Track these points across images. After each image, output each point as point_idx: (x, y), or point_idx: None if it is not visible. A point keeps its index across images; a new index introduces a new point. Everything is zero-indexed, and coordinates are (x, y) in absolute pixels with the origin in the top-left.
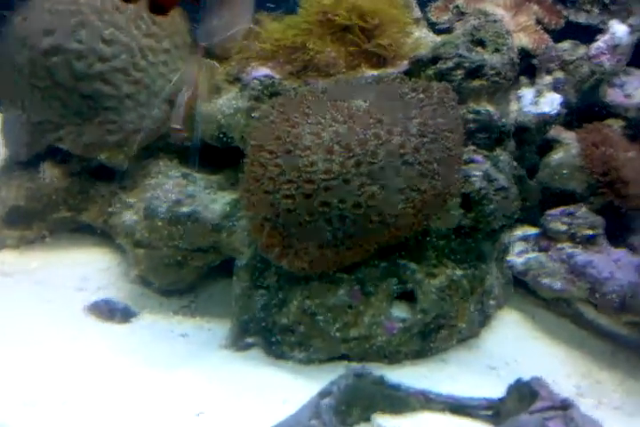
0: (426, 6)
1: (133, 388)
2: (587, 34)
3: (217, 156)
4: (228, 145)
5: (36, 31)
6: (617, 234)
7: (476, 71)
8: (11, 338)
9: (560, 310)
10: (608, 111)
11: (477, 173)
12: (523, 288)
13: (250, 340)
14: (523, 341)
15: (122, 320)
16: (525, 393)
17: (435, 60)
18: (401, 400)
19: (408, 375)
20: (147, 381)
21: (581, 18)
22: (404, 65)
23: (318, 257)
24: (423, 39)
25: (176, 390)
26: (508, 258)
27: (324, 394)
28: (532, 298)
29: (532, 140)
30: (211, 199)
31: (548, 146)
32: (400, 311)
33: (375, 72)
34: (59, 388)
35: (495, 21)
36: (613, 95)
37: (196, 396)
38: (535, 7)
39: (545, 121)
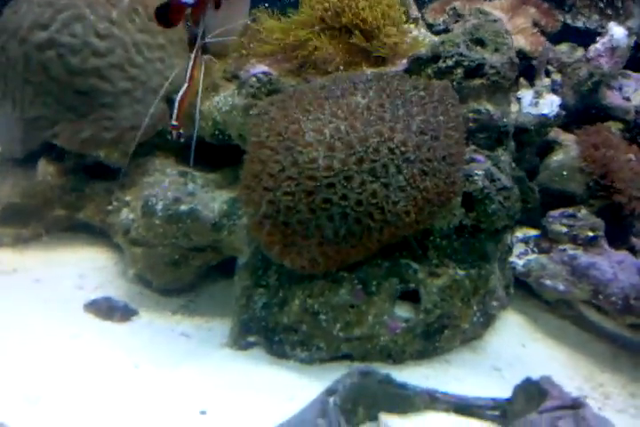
0: (424, 7)
1: (136, 386)
2: (585, 37)
3: (214, 154)
4: (225, 143)
5: (29, 24)
6: (617, 236)
7: (475, 70)
8: (9, 336)
9: (562, 312)
10: (607, 114)
11: (479, 173)
12: (523, 290)
13: (251, 339)
14: (525, 342)
15: (121, 319)
16: (533, 393)
17: (434, 58)
18: (407, 400)
19: (412, 376)
20: (149, 379)
21: (579, 22)
22: (404, 64)
23: (320, 255)
24: (422, 38)
25: (179, 387)
26: (510, 259)
27: (329, 392)
28: (533, 300)
29: (531, 142)
30: (210, 197)
31: (548, 148)
32: (403, 311)
33: (375, 70)
34: (60, 386)
35: (495, 21)
36: (612, 98)
37: (199, 394)
38: (532, 10)
39: (544, 123)
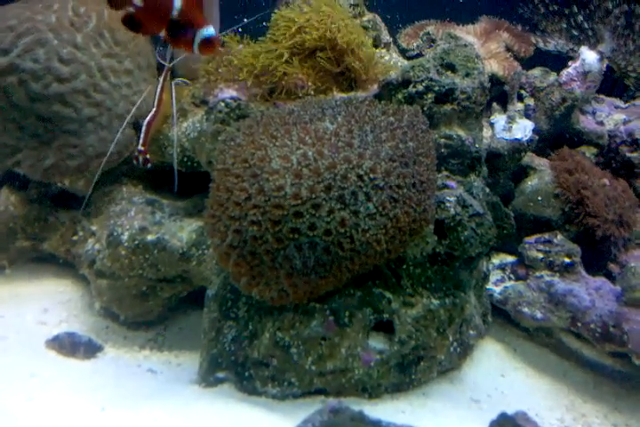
0: (396, 33)
1: None
2: (557, 62)
3: (183, 181)
4: (194, 169)
5: None
6: (593, 262)
7: (446, 95)
8: None
9: (541, 340)
10: (580, 138)
11: (451, 199)
12: (501, 318)
13: (220, 374)
14: (504, 372)
15: (85, 355)
16: None
17: (405, 83)
18: None
19: (388, 410)
20: (110, 422)
21: (550, 46)
22: (374, 89)
23: (289, 286)
24: (393, 63)
25: None
26: (487, 287)
27: None
28: (511, 327)
29: (505, 167)
30: (178, 226)
31: (523, 172)
32: (377, 343)
33: (345, 95)
34: None
35: (465, 45)
36: (585, 122)
37: None
38: (505, 35)
39: (518, 148)
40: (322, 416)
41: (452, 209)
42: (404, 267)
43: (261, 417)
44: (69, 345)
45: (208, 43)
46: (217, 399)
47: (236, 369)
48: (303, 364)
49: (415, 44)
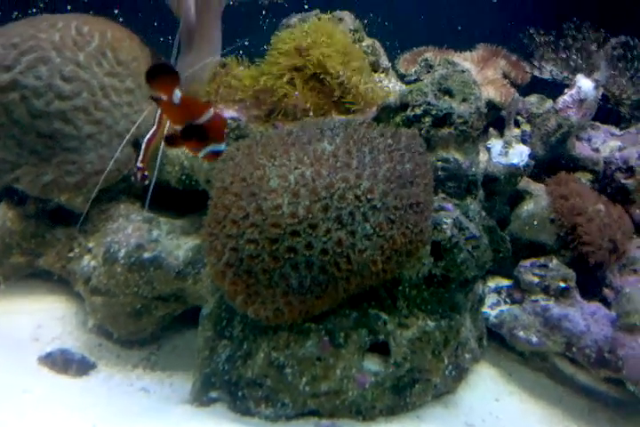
0: (395, 58)
1: None
2: (553, 89)
3: (181, 199)
4: (192, 188)
5: None
6: (589, 287)
7: (443, 119)
8: None
9: (536, 365)
10: (576, 164)
11: (448, 221)
12: (497, 342)
13: (214, 394)
14: (499, 396)
15: (78, 373)
16: None
17: (403, 106)
18: None
19: None
20: None
21: (546, 73)
22: (373, 112)
23: (284, 305)
24: (392, 88)
25: None
26: (483, 310)
27: None
28: (506, 351)
29: (502, 191)
30: (175, 245)
31: (518, 197)
32: (372, 364)
33: (344, 117)
34: None
35: (463, 71)
36: (581, 149)
37: None
38: (502, 62)
39: (514, 172)
40: None
41: (449, 231)
42: (400, 288)
43: None
44: (62, 362)
45: (214, 154)
46: (209, 420)
47: (229, 389)
48: (297, 384)
49: (413, 70)
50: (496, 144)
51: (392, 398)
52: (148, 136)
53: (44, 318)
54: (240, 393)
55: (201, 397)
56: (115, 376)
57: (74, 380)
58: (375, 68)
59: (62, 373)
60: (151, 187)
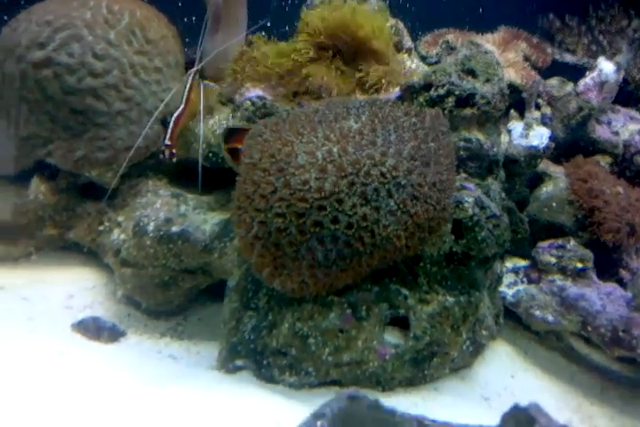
0: (417, 39)
1: (123, 404)
2: (574, 72)
3: (208, 176)
4: (219, 165)
5: (27, 43)
6: (605, 268)
7: (467, 99)
8: None
9: (551, 344)
10: (595, 147)
11: (469, 200)
12: (513, 320)
13: (239, 362)
14: (515, 373)
15: (109, 339)
16: (522, 420)
17: (426, 87)
18: (395, 426)
19: (401, 403)
20: (137, 398)
21: (567, 57)
22: (397, 92)
23: (310, 278)
24: (415, 68)
25: (166, 407)
26: (500, 289)
27: (317, 416)
28: (522, 330)
29: (521, 173)
30: (202, 219)
31: (538, 179)
32: (392, 337)
33: (368, 97)
34: (45, 403)
35: (486, 52)
36: (601, 132)
37: (187, 414)
38: (523, 45)
39: (534, 154)
40: (339, 403)
41: (471, 209)
42: (421, 265)
43: (281, 402)
44: (94, 329)
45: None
46: (237, 384)
47: (254, 357)
48: (320, 354)
49: (435, 52)
50: (517, 126)
51: (411, 370)
52: (176, 114)
53: (76, 288)
54: (265, 362)
55: (227, 364)
56: (144, 343)
57: (106, 345)
58: (399, 48)
59: (94, 339)
60: (199, 168)
